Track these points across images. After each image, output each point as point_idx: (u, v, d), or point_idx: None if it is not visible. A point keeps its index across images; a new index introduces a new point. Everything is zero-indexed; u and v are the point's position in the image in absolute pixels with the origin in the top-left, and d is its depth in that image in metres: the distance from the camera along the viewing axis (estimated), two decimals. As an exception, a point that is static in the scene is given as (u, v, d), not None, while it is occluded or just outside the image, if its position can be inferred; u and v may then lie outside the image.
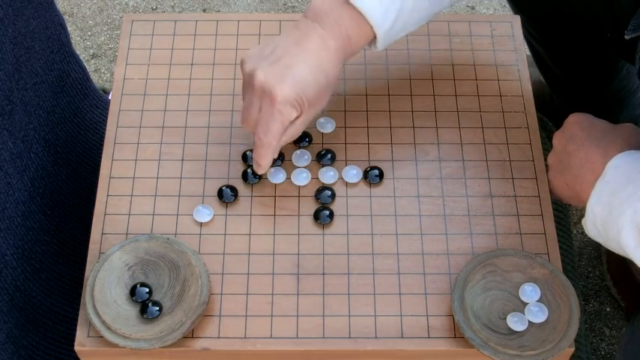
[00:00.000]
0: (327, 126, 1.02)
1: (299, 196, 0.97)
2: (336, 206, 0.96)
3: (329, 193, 0.96)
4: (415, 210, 0.96)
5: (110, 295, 0.88)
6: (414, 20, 0.94)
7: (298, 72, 0.89)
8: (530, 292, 0.88)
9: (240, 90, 1.05)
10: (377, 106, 1.04)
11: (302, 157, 0.99)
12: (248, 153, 0.99)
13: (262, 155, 0.92)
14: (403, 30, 0.94)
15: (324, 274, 0.92)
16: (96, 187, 0.98)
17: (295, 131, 0.92)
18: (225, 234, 0.94)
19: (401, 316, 0.89)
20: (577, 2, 1.17)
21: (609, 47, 1.21)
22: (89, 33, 1.70)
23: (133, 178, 0.98)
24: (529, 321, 0.87)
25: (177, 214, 0.95)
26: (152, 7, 1.74)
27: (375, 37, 0.92)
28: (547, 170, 0.96)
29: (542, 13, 1.25)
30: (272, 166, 0.98)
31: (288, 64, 0.89)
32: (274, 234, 0.94)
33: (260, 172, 0.95)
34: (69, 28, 1.61)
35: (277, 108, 0.89)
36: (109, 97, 1.14)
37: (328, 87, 0.92)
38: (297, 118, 0.91)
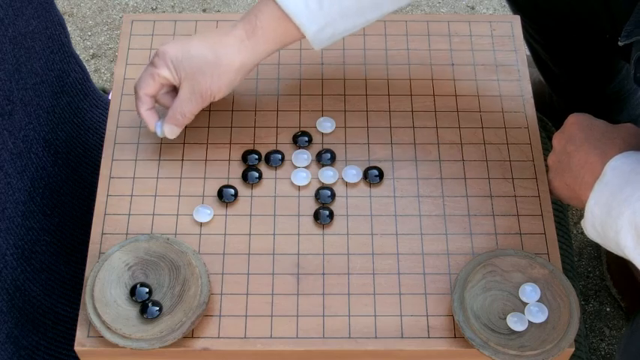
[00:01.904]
0: (327, 126, 1.02)
1: (299, 196, 0.97)
2: (336, 206, 0.96)
3: (329, 193, 0.96)
4: (415, 210, 0.96)
5: (110, 295, 0.88)
6: (349, 25, 0.95)
7: (189, 40, 0.93)
8: (530, 292, 0.88)
9: (240, 90, 1.05)
10: (377, 106, 1.04)
11: (302, 157, 0.99)
12: (248, 153, 0.99)
13: (136, 107, 0.96)
14: (334, 34, 0.95)
15: (324, 274, 0.92)
16: (96, 187, 0.98)
17: (182, 104, 0.94)
18: (225, 234, 0.94)
19: (401, 316, 0.89)
20: (576, 3, 1.17)
21: (608, 48, 1.21)
22: (89, 33, 1.70)
23: (133, 178, 0.98)
24: (529, 321, 0.87)
25: (177, 214, 0.95)
26: (152, 7, 1.74)
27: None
28: (547, 171, 0.96)
29: (541, 14, 1.25)
30: (278, 167, 0.98)
31: (188, 37, 0.95)
32: (274, 234, 0.94)
33: (150, 129, 0.97)
34: (69, 28, 1.62)
35: (152, 60, 0.94)
36: (109, 97, 1.14)
37: (218, 64, 0.93)
38: (181, 88, 0.93)
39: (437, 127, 1.02)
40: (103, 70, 1.65)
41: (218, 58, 0.92)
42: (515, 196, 0.97)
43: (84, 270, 0.93)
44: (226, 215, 0.96)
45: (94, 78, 1.63)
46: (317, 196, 0.97)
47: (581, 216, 0.92)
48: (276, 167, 0.99)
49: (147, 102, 0.96)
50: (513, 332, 0.86)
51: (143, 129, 1.02)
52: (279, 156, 0.99)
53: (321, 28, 0.93)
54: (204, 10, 1.73)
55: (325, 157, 0.99)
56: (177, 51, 0.93)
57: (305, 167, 0.99)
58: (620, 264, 1.36)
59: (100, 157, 1.00)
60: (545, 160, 0.97)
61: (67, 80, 1.16)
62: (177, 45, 0.93)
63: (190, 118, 0.96)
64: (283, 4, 0.91)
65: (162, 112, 0.99)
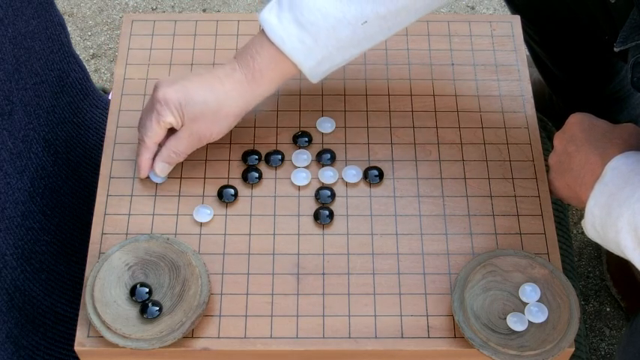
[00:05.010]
0: (327, 126, 1.02)
1: (299, 196, 0.97)
2: (336, 206, 0.96)
3: (329, 193, 0.96)
4: (415, 210, 0.96)
5: (110, 295, 0.88)
6: (347, 56, 0.95)
7: (189, 84, 0.92)
8: (530, 292, 0.88)
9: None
10: (377, 106, 1.04)
11: (302, 157, 0.99)
12: (248, 153, 0.99)
13: (138, 153, 0.95)
14: (332, 67, 0.95)
15: (324, 274, 0.92)
16: (96, 187, 0.98)
17: (178, 144, 0.94)
18: (225, 234, 0.94)
19: (401, 316, 0.89)
20: (574, 5, 1.17)
21: (607, 49, 1.21)
22: (89, 33, 1.70)
23: (133, 178, 0.98)
24: (529, 321, 0.87)
25: (177, 214, 0.95)
26: (152, 7, 1.74)
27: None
28: (548, 171, 0.96)
29: (539, 16, 1.25)
30: (278, 167, 0.98)
31: (186, 78, 0.93)
32: (274, 234, 0.94)
33: (141, 175, 0.96)
34: (69, 28, 1.61)
35: (155, 107, 0.92)
36: (109, 97, 1.14)
37: (220, 111, 0.93)
38: (180, 129, 0.93)
39: (437, 127, 1.02)
40: (103, 70, 1.65)
41: (220, 105, 0.92)
42: (515, 196, 0.97)
43: (84, 270, 0.93)
44: (226, 215, 0.96)
45: (94, 78, 1.63)
46: (317, 196, 0.97)
47: (581, 216, 0.92)
48: (276, 167, 0.99)
49: (153, 150, 0.95)
50: (513, 332, 0.86)
51: (143, 129, 1.01)
52: (279, 156, 0.99)
53: (317, 62, 0.93)
54: (204, 10, 1.73)
55: (325, 157, 0.99)
56: (180, 96, 0.92)
57: (305, 167, 0.99)
58: (620, 264, 1.36)
59: (100, 157, 1.00)
60: (546, 160, 0.97)
61: (67, 80, 1.16)
62: (178, 88, 0.92)
63: (183, 157, 0.95)
64: (279, 44, 0.91)
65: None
